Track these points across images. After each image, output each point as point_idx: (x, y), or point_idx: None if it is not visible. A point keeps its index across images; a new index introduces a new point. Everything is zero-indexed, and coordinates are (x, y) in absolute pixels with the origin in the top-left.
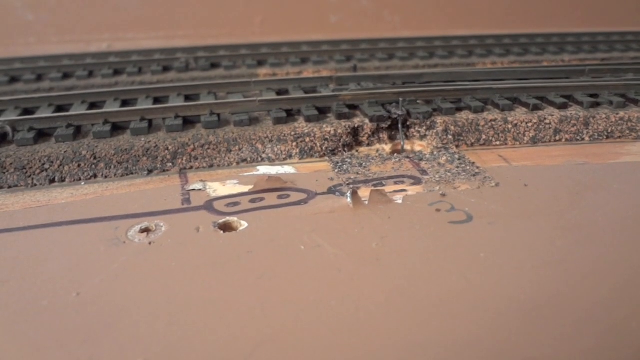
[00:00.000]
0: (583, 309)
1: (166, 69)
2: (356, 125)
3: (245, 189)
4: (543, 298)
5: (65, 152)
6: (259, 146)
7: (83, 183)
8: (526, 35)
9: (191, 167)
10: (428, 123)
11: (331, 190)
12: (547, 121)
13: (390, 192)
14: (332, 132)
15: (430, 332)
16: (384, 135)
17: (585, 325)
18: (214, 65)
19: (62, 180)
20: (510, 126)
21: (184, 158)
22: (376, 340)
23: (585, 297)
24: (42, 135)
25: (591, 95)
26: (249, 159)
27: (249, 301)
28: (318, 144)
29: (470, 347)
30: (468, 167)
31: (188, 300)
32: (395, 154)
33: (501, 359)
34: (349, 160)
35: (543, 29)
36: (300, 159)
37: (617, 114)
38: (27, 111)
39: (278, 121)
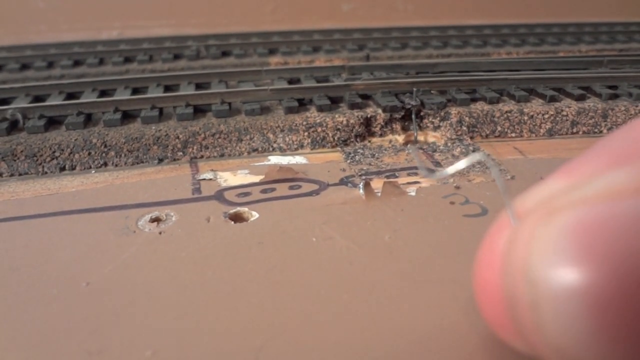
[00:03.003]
0: None
1: (177, 57)
2: (369, 116)
3: (256, 179)
4: None
5: (75, 140)
6: (270, 136)
7: (93, 171)
8: (542, 25)
9: (202, 156)
10: (442, 114)
11: (343, 181)
12: (564, 113)
13: (403, 184)
14: (345, 122)
15: (443, 326)
16: (397, 126)
17: None
18: (225, 54)
19: (73, 168)
20: (526, 118)
21: (195, 147)
22: (389, 334)
23: None
24: (52, 122)
25: (610, 87)
26: (260, 149)
27: (260, 293)
28: (330, 134)
29: (487, 342)
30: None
31: (198, 291)
32: (409, 145)
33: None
34: (361, 151)
35: (559, 19)
36: (311, 149)
37: (637, 106)
38: (37, 98)
39: (289, 110)
